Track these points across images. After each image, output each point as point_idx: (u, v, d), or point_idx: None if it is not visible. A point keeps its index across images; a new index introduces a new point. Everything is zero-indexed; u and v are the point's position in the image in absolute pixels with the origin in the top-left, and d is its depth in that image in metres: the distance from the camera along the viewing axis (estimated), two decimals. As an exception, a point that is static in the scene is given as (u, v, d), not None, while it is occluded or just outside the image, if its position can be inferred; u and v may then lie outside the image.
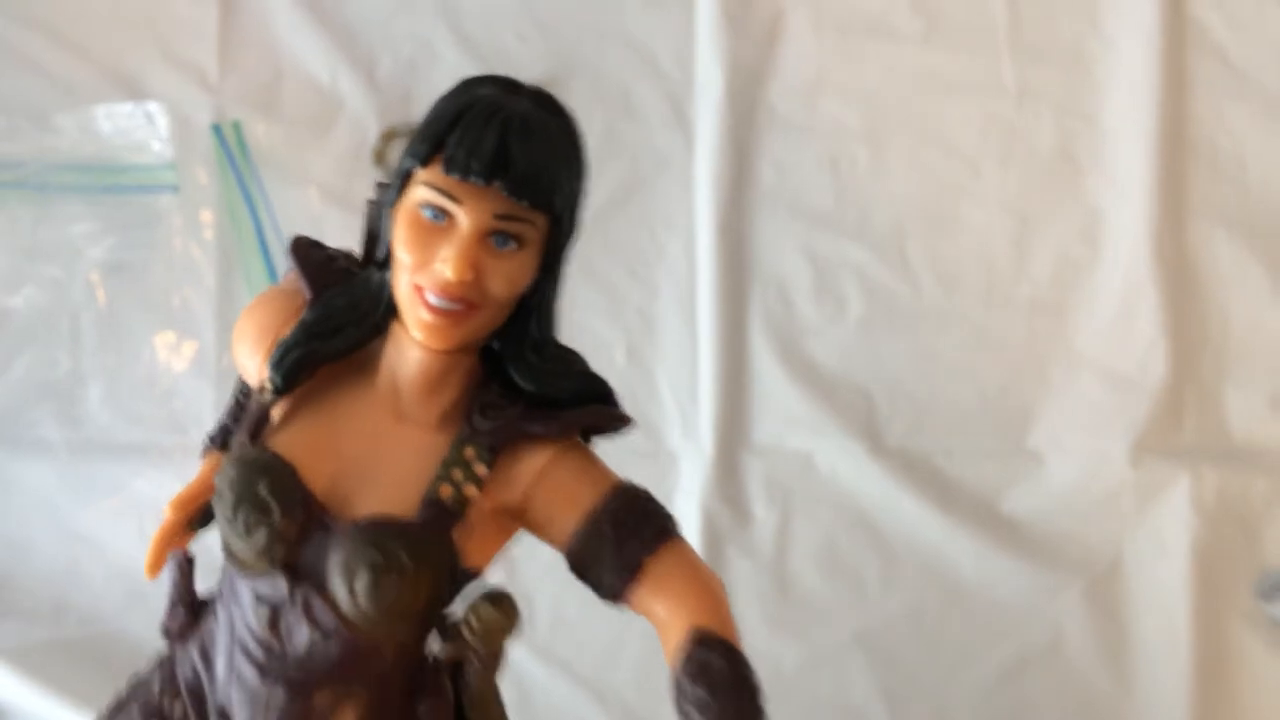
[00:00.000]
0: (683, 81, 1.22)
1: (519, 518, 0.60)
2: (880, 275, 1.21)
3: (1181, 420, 1.20)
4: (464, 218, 0.55)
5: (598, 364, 1.19)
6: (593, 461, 0.61)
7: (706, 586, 0.58)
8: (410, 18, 1.22)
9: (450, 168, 0.54)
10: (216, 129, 1.20)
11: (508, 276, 0.56)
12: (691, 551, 0.59)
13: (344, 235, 1.19)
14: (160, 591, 1.18)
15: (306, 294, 0.63)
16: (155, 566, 0.67)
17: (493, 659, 0.59)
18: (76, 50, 1.22)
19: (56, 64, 1.22)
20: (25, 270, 1.21)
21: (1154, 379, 1.19)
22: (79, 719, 1.15)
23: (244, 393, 0.69)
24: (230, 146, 1.20)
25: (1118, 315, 1.20)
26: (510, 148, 0.54)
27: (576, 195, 0.59)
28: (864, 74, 1.22)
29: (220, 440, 0.70)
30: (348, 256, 0.67)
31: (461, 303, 0.55)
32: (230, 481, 0.58)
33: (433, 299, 0.55)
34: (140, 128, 1.20)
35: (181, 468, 1.20)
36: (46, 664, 1.17)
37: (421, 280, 0.56)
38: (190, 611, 0.65)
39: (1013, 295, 1.21)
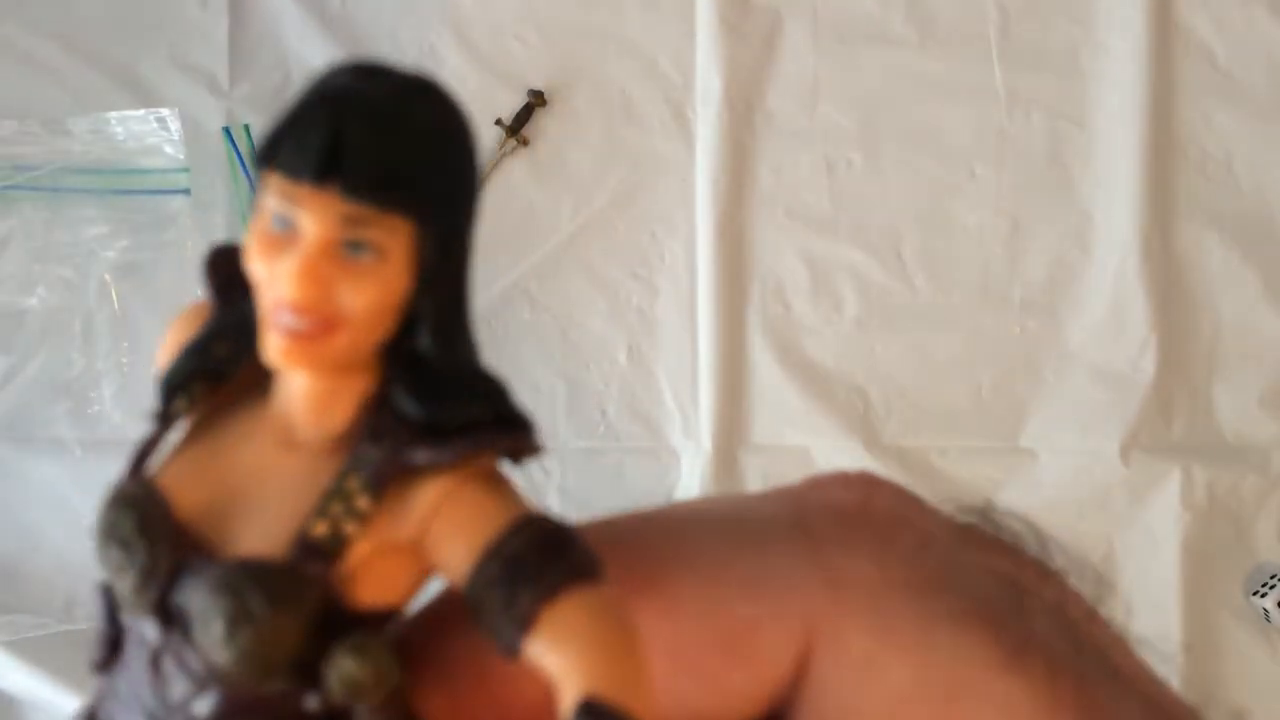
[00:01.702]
0: (682, 86, 1.23)
1: (420, 556, 0.53)
2: (876, 276, 1.23)
3: (1172, 418, 1.22)
4: (307, 224, 0.48)
5: (599, 365, 1.21)
6: (498, 492, 0.52)
7: (609, 641, 0.49)
8: (415, 23, 1.23)
9: (284, 167, 0.48)
10: (227, 133, 1.22)
11: (365, 291, 0.48)
12: (603, 597, 0.51)
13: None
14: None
15: (214, 309, 0.57)
16: None
17: (381, 708, 0.52)
18: (89, 56, 1.23)
19: (69, 70, 1.23)
20: (39, 272, 1.22)
21: (1145, 378, 1.20)
22: (90, 710, 1.17)
23: None
24: (241, 150, 1.21)
25: (1109, 315, 1.21)
26: (347, 140, 0.48)
27: (452, 195, 0.51)
28: (860, 79, 1.23)
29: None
30: None
31: (313, 321, 0.49)
32: (99, 518, 0.52)
33: (283, 319, 0.49)
34: (153, 132, 1.21)
35: (191, 464, 1.21)
36: (57, 656, 1.17)
37: (272, 296, 0.49)
38: (110, 646, 0.59)
39: (1006, 295, 1.22)
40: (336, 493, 0.54)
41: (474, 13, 1.23)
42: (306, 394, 0.57)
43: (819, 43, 1.23)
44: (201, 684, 0.55)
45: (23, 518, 1.21)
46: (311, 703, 0.54)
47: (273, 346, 0.53)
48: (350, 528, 0.54)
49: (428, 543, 0.56)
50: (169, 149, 1.21)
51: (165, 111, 1.20)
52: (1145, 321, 1.20)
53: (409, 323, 0.55)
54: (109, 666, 0.63)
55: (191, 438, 0.60)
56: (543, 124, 1.23)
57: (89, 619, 1.21)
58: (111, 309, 1.22)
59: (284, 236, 0.52)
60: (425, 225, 0.54)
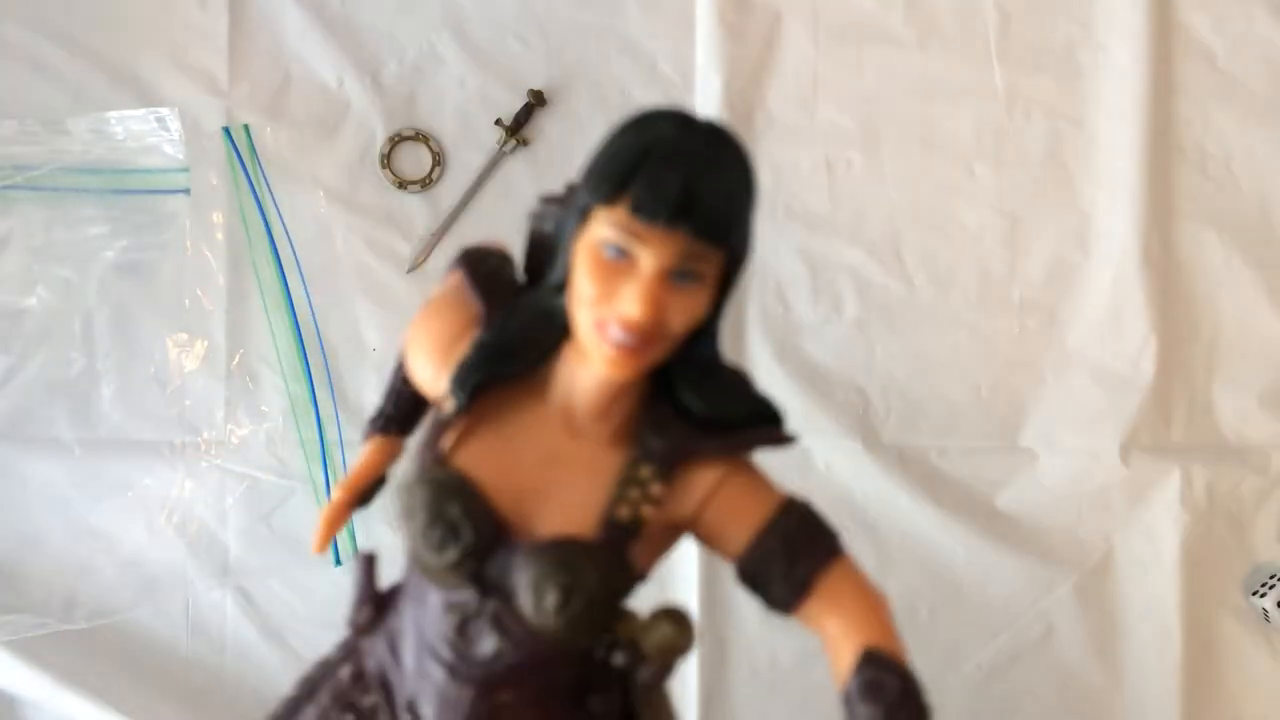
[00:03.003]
0: (682, 86, 1.23)
1: (689, 529, 0.62)
2: (875, 276, 1.22)
3: (1171, 418, 1.22)
4: (647, 258, 0.56)
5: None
6: (761, 478, 0.63)
7: (875, 605, 0.60)
8: (415, 23, 1.23)
9: (636, 212, 0.55)
10: (227, 132, 1.21)
11: (687, 312, 0.57)
12: (858, 568, 0.62)
13: (350, 234, 1.21)
14: (170, 586, 1.20)
15: (479, 308, 0.64)
16: (324, 543, 0.72)
17: (666, 668, 0.62)
18: (89, 56, 1.23)
19: (70, 70, 1.23)
20: (38, 271, 1.22)
21: (1144, 377, 1.20)
22: (89, 710, 1.17)
23: (402, 380, 0.72)
24: (240, 150, 1.21)
25: (1108, 314, 1.21)
26: (694, 191, 0.55)
27: (751, 226, 0.60)
28: (859, 79, 1.23)
29: (381, 424, 0.74)
30: (504, 257, 0.68)
31: (640, 337, 0.56)
32: (423, 502, 0.60)
33: (616, 334, 0.56)
34: (152, 132, 1.21)
35: (192, 465, 1.21)
36: (58, 656, 1.18)
37: (604, 315, 0.57)
38: (375, 607, 0.68)
39: (1005, 295, 1.22)
40: (632, 479, 0.60)
41: (473, 13, 1.23)
42: (599, 391, 0.61)
43: (819, 43, 1.23)
44: (517, 643, 0.60)
45: (22, 517, 1.21)
46: (619, 659, 0.60)
47: (600, 357, 0.58)
48: (647, 510, 0.59)
49: (703, 520, 0.62)
50: (169, 149, 1.20)
51: (165, 111, 1.20)
52: (1145, 321, 1.20)
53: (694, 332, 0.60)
54: (372, 629, 0.67)
55: (474, 427, 0.63)
56: (543, 124, 1.23)
57: (89, 618, 1.21)
58: (111, 308, 1.22)
59: (619, 264, 0.57)
60: (734, 254, 0.59)
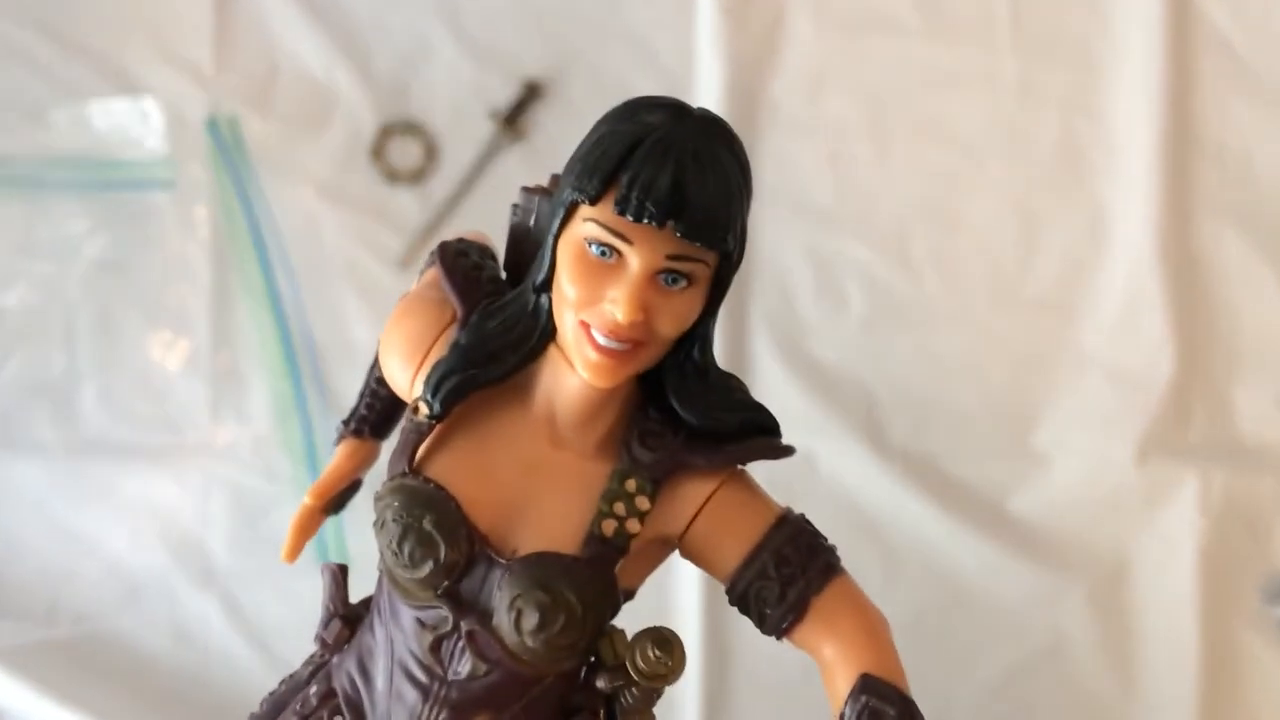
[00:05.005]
0: (683, 76, 1.22)
1: (678, 544, 0.60)
2: (882, 273, 1.21)
3: (1188, 420, 1.20)
4: (635, 258, 0.54)
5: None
6: (755, 492, 0.61)
7: (874, 627, 0.58)
8: (406, 12, 1.22)
9: (623, 209, 0.53)
10: (212, 124, 1.20)
11: (677, 315, 0.55)
12: (856, 588, 0.59)
13: (340, 230, 1.20)
14: (154, 593, 1.19)
15: (457, 309, 0.62)
16: (294, 551, 0.70)
17: (653, 692, 0.60)
18: (71, 46, 1.22)
19: (51, 60, 1.22)
20: (18, 268, 1.22)
21: (1160, 378, 1.19)
22: (71, 719, 1.16)
23: (377, 380, 0.70)
24: (226, 142, 1.20)
25: (1124, 314, 1.20)
26: (685, 188, 0.53)
27: (745, 227, 0.57)
28: (865, 69, 1.22)
29: (354, 426, 0.72)
30: (485, 252, 0.66)
31: (629, 343, 0.55)
32: (395, 513, 0.58)
33: (600, 339, 0.54)
34: (135, 124, 1.20)
35: (176, 468, 1.20)
36: (39, 664, 1.17)
37: (588, 318, 0.55)
38: (345, 623, 0.67)
39: (1017, 293, 1.21)
40: (618, 493, 0.58)
41: (468, 2, 1.22)
42: (584, 398, 0.59)
43: (823, 31, 1.22)
44: (494, 663, 0.57)
45: (2, 521, 1.21)
46: (603, 683, 0.58)
47: (585, 362, 0.56)
48: (634, 526, 0.58)
49: (690, 536, 0.60)
50: (152, 141, 1.20)
51: (147, 101, 1.19)
52: (1161, 320, 1.18)
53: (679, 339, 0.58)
54: (341, 645, 0.64)
55: (451, 434, 0.61)
56: (539, 116, 1.22)
57: (71, 625, 1.19)
58: (93, 307, 1.21)
59: (605, 264, 0.55)
60: (727, 255, 0.57)
